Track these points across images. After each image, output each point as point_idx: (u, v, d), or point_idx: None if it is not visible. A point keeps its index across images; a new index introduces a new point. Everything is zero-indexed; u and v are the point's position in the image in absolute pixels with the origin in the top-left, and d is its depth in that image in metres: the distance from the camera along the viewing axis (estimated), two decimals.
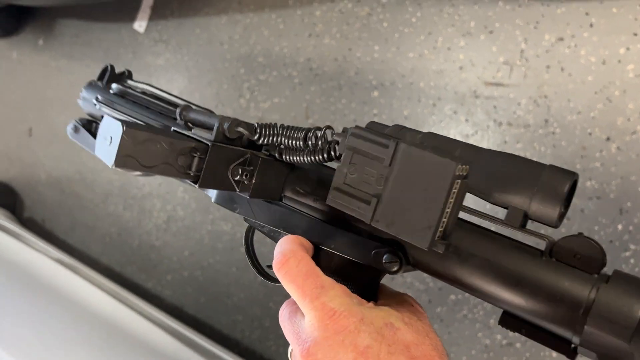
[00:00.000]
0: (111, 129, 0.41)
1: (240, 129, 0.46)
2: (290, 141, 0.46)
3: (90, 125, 0.63)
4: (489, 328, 1.23)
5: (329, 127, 0.46)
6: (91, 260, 1.95)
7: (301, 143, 0.45)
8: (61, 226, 2.11)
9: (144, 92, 0.60)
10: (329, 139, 0.45)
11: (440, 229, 0.38)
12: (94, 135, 0.60)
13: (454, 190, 0.37)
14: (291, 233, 0.49)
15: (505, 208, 0.40)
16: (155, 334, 1.30)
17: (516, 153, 1.19)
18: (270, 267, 0.50)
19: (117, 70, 0.64)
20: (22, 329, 1.19)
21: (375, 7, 1.42)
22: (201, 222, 1.71)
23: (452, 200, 0.37)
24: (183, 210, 1.76)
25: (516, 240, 0.42)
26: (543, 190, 0.38)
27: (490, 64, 1.25)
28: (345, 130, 0.43)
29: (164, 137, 0.42)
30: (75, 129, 0.62)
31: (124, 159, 0.40)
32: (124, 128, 0.40)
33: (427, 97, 1.32)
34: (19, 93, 2.37)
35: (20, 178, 2.29)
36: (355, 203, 0.41)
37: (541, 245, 0.41)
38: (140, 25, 1.95)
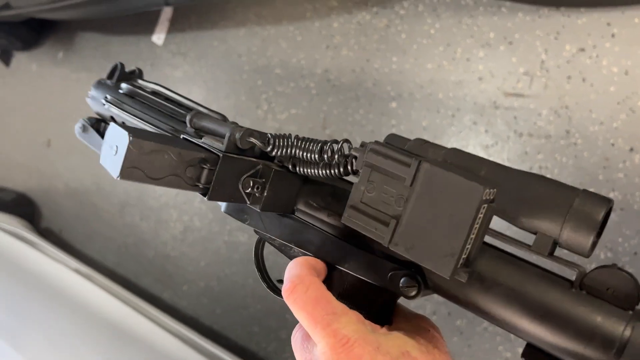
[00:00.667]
0: (117, 138, 0.39)
1: (253, 140, 0.44)
2: (305, 153, 0.44)
3: (99, 125, 0.61)
4: (509, 341, 1.21)
5: (346, 141, 0.43)
6: (107, 270, 1.96)
7: (316, 156, 0.43)
8: (78, 236, 2.13)
9: (154, 93, 0.57)
10: (347, 152, 0.43)
11: (463, 256, 0.35)
12: (102, 136, 0.58)
13: (479, 216, 0.35)
14: (302, 249, 0.47)
15: (534, 233, 0.38)
16: (171, 344, 1.30)
17: (537, 164, 1.18)
18: (280, 281, 0.48)
19: (128, 68, 0.63)
20: (40, 337, 1.19)
21: (394, 19, 1.42)
22: (218, 232, 1.71)
23: (478, 226, 0.35)
24: (200, 221, 1.76)
25: (544, 269, 0.39)
26: (576, 217, 0.35)
27: (510, 74, 1.24)
28: (363, 144, 0.40)
29: (172, 148, 0.40)
30: (84, 128, 0.60)
31: (129, 171, 0.38)
32: (131, 138, 0.38)
33: (446, 108, 1.31)
34: (38, 105, 2.40)
35: (39, 189, 2.31)
36: (373, 224, 0.39)
37: (569, 274, 0.38)
38: (158, 37, 1.98)
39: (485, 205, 0.35)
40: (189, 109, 0.53)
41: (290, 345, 0.45)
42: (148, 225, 1.90)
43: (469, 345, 1.26)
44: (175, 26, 1.94)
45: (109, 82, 0.63)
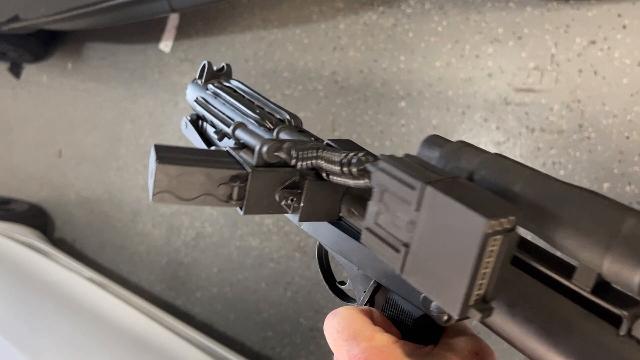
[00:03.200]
0: (152, 161, 0.39)
1: (279, 154, 0.43)
2: (328, 165, 0.42)
3: (198, 122, 0.64)
4: None
5: (367, 154, 0.40)
6: (121, 278, 1.96)
7: (338, 168, 0.41)
8: (91, 245, 2.13)
9: (235, 91, 0.60)
10: (365, 165, 0.40)
11: (477, 292, 0.31)
12: (200, 133, 0.62)
13: (490, 249, 0.30)
14: (346, 259, 0.46)
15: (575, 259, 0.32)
16: (187, 350, 1.29)
17: (550, 160, 1.16)
18: (341, 283, 0.46)
19: (199, 68, 0.65)
20: (55, 346, 1.19)
21: (400, 18, 1.41)
22: (229, 238, 1.71)
23: (492, 260, 0.30)
24: (211, 227, 1.76)
25: (587, 302, 0.33)
26: (623, 244, 0.28)
27: (520, 70, 1.23)
28: (376, 159, 0.37)
29: (199, 169, 0.40)
30: (186, 125, 0.63)
31: (160, 195, 0.39)
32: (157, 164, 0.38)
33: (456, 105, 1.30)
34: (48, 116, 2.42)
35: (51, 199, 2.32)
36: (386, 248, 0.35)
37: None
38: (165, 45, 1.98)
39: (499, 237, 0.30)
40: (262, 108, 0.55)
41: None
42: (160, 232, 1.90)
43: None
44: (182, 33, 1.94)
45: (199, 81, 0.65)
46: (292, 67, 1.62)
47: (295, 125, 0.53)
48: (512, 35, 1.24)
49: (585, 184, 1.14)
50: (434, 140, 0.38)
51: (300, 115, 1.58)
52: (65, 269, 1.59)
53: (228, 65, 0.67)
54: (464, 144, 0.37)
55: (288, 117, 0.54)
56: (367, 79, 1.46)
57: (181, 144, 1.87)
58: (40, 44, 2.41)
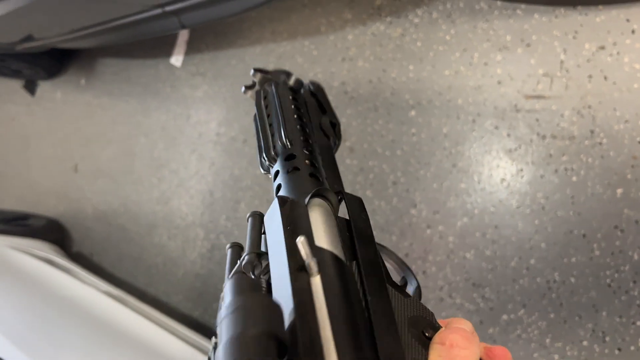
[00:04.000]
0: None
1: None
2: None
3: None
4: (545, 347, 1.19)
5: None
6: (138, 291, 1.98)
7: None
8: (108, 259, 2.16)
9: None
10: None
11: None
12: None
13: None
14: None
15: None
16: None
17: (562, 166, 1.16)
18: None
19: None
20: None
21: (408, 28, 1.42)
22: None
23: None
24: (226, 239, 1.77)
25: None
26: None
27: (530, 76, 1.23)
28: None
29: None
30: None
31: None
32: None
33: (466, 113, 1.30)
34: (63, 131, 2.46)
35: (68, 214, 2.36)
36: None
37: None
38: (177, 59, 2.01)
39: None
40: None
41: None
42: (176, 244, 1.92)
43: None
44: (192, 47, 1.97)
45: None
46: (302, 79, 1.63)
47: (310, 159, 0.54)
48: (520, 42, 1.24)
49: (598, 189, 1.14)
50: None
51: None
52: (83, 284, 1.61)
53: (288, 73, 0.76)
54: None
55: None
56: (377, 89, 1.47)
57: (194, 157, 1.89)
58: (53, 61, 2.45)
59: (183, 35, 1.99)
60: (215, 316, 1.77)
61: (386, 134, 1.44)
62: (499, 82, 1.27)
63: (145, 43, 2.12)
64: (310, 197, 0.44)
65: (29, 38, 1.99)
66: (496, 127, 1.27)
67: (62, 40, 1.88)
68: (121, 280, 2.06)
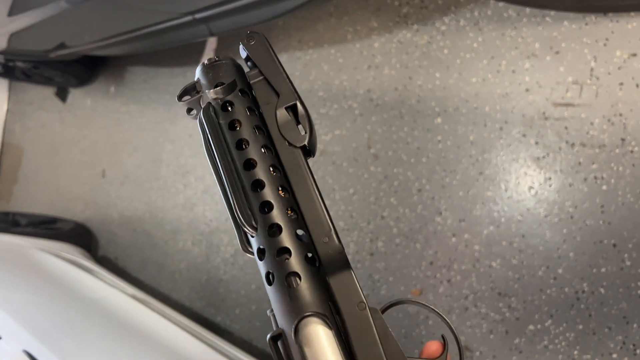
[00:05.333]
0: None
1: None
2: None
3: None
4: (572, 359, 1.16)
5: None
6: (162, 295, 2.00)
7: None
8: (133, 263, 2.19)
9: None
10: None
11: None
12: None
13: None
14: None
15: None
16: None
17: (592, 175, 1.15)
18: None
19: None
20: None
21: (435, 35, 1.42)
22: None
23: None
24: None
25: None
26: None
27: (559, 84, 1.21)
28: None
29: None
30: None
31: None
32: None
33: (493, 121, 1.29)
34: (92, 138, 2.51)
35: (95, 218, 2.40)
36: None
37: None
38: None
39: None
40: None
41: None
42: (200, 250, 1.93)
43: None
44: (220, 55, 2.00)
45: None
46: (328, 86, 1.64)
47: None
48: (549, 49, 1.23)
49: (629, 198, 1.11)
50: None
51: (336, 133, 1.60)
52: (109, 286, 1.63)
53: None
54: None
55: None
56: (403, 96, 1.47)
57: None
58: (84, 69, 2.51)
59: (211, 44, 2.02)
60: (237, 322, 1.78)
61: (411, 141, 1.44)
62: (527, 90, 1.26)
63: (174, 51, 2.16)
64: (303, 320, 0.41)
65: (61, 46, 2.04)
66: (524, 135, 1.25)
67: (93, 47, 1.93)
68: (145, 285, 2.08)
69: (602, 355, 1.12)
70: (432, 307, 0.45)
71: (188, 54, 2.09)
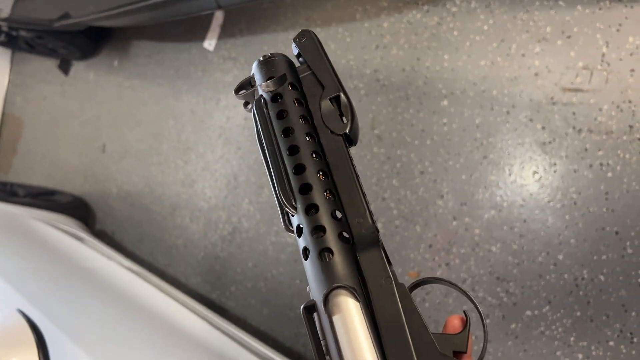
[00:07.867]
0: None
1: None
2: None
3: None
4: (569, 346, 1.16)
5: None
6: (158, 271, 1.99)
7: None
8: (130, 238, 2.18)
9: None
10: None
11: None
12: None
13: None
14: None
15: None
16: (221, 341, 1.30)
17: (598, 161, 1.13)
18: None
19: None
20: (95, 328, 1.22)
21: (445, 16, 1.40)
22: (265, 233, 1.72)
23: None
24: (248, 222, 1.77)
25: None
26: None
27: (568, 69, 1.20)
28: None
29: None
30: None
31: None
32: None
33: (500, 104, 1.28)
34: (94, 112, 2.49)
35: (94, 192, 2.38)
36: None
37: None
38: (209, 43, 2.02)
39: None
40: None
41: None
42: (197, 226, 1.92)
43: (525, 350, 1.21)
44: (226, 32, 1.98)
45: None
46: (334, 66, 1.62)
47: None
48: (561, 34, 1.22)
49: (634, 186, 1.10)
50: None
51: None
52: (105, 258, 1.62)
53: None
54: None
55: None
56: (410, 77, 1.45)
57: (220, 140, 1.90)
58: (88, 42, 2.49)
59: (217, 19, 2.00)
60: (232, 299, 1.77)
61: (416, 123, 1.42)
62: (536, 74, 1.24)
63: (180, 26, 2.14)
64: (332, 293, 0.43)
65: (65, 16, 2.02)
66: (531, 120, 1.24)
67: (97, 18, 1.91)
68: (141, 260, 2.08)
69: (599, 343, 1.12)
70: (460, 286, 0.47)
71: (194, 29, 2.07)
